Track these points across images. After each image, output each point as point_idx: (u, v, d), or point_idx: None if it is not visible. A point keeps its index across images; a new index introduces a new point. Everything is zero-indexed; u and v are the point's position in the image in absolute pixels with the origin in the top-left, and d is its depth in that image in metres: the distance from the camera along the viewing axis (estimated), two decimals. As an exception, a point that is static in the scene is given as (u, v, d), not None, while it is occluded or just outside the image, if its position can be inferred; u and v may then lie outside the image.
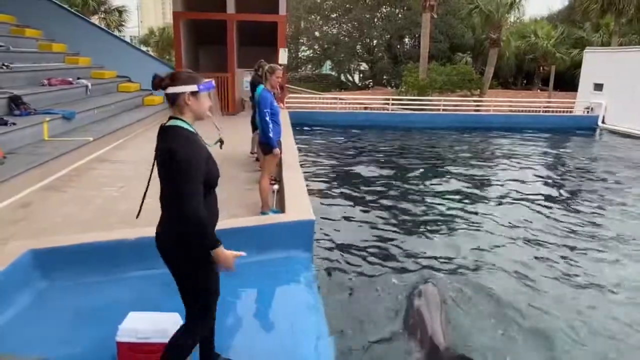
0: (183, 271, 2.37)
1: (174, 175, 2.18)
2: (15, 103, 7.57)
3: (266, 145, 5.19)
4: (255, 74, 7.13)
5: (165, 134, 2.28)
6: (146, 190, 2.47)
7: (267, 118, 5.03)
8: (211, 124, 2.86)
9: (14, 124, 6.91)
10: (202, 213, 2.18)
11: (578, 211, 7.32)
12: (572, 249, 5.82)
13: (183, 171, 2.15)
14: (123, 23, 34.36)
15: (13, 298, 3.27)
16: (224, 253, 2.33)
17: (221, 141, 2.64)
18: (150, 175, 2.38)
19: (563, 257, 5.55)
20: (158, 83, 2.30)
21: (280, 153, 5.46)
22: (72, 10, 14.85)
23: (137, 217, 2.54)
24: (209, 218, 2.25)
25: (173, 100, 2.29)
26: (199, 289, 2.42)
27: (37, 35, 11.94)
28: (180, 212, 2.16)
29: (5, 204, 5.13)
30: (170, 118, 2.32)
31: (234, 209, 5.35)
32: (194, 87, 2.28)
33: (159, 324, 2.77)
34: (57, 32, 12.40)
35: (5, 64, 9.05)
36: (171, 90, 2.28)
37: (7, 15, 11.71)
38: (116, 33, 25.60)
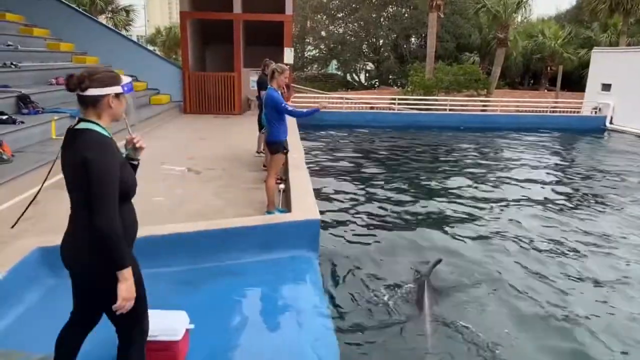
0: (103, 287, 2.10)
1: (87, 186, 1.97)
2: (24, 102, 7.63)
3: (273, 144, 5.20)
4: (262, 73, 7.15)
5: (77, 138, 2.04)
6: (34, 197, 2.24)
7: (289, 108, 5.16)
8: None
9: (22, 122, 6.97)
10: (116, 228, 1.98)
11: (586, 212, 7.28)
12: (580, 249, 5.78)
13: (97, 181, 1.95)
14: (130, 22, 34.51)
15: (21, 295, 3.30)
16: (131, 279, 2.06)
17: (134, 148, 2.26)
18: (44, 181, 2.17)
19: (570, 257, 5.51)
20: (76, 84, 2.04)
21: (289, 150, 5.48)
22: (80, 10, 14.92)
23: (12, 227, 2.29)
24: (125, 233, 2.04)
25: (93, 103, 2.06)
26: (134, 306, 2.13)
27: (45, 34, 12.02)
28: (92, 225, 1.96)
29: (13, 202, 5.17)
30: (81, 120, 2.08)
31: (240, 208, 5.37)
32: (118, 89, 2.10)
33: (167, 322, 2.78)
34: (64, 31, 12.48)
35: (14, 63, 9.13)
36: (93, 92, 2.04)
37: (16, 15, 11.80)
38: (123, 32, 25.72)
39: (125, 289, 2.03)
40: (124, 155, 2.20)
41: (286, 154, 5.41)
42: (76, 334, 2.37)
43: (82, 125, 2.06)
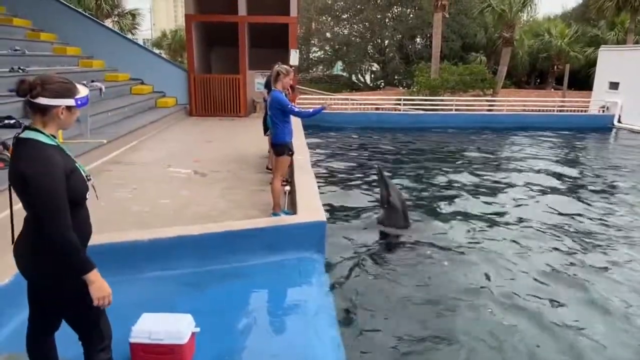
0: (56, 293, 2.13)
1: (30, 199, 1.97)
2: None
3: (279, 146, 5.20)
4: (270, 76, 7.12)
5: (19, 149, 2.00)
6: (12, 217, 2.20)
7: (296, 109, 5.21)
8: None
9: (29, 126, 7.00)
10: (70, 238, 1.97)
11: (596, 211, 7.20)
12: (590, 249, 5.72)
13: (40, 198, 1.93)
14: (136, 26, 34.70)
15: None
16: (99, 279, 2.07)
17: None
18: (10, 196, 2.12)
19: (581, 257, 5.45)
20: (26, 90, 1.98)
21: (294, 152, 5.47)
22: (86, 14, 15.04)
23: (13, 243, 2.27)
24: (79, 239, 2.03)
25: (42, 111, 2.00)
26: (87, 309, 2.14)
27: (52, 39, 12.11)
28: (46, 239, 1.96)
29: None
30: (27, 128, 2.03)
31: (246, 210, 5.37)
32: (70, 102, 2.04)
33: (172, 325, 2.78)
34: (71, 35, 12.56)
35: (21, 67, 9.20)
36: (43, 101, 1.98)
37: (23, 20, 11.90)
38: (129, 36, 25.87)
39: (96, 289, 2.06)
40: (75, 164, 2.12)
41: (291, 155, 5.40)
42: (40, 342, 2.38)
43: (26, 134, 2.00)
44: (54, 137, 2.06)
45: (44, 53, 11.16)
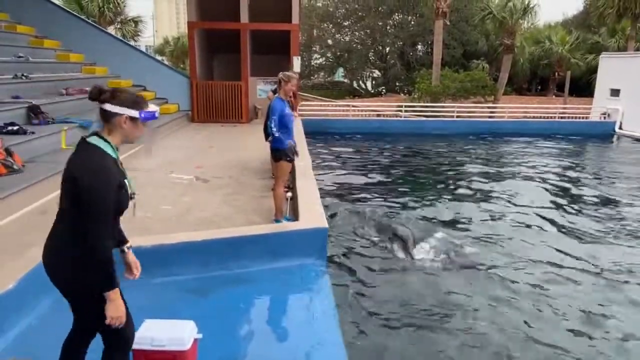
0: (84, 299, 2.13)
1: (81, 205, 1.98)
2: (34, 112, 7.72)
3: (275, 151, 5.22)
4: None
5: (80, 151, 2.06)
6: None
7: (273, 126, 5.10)
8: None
9: (32, 133, 7.05)
10: (107, 252, 2.03)
11: (597, 218, 7.20)
12: (591, 256, 5.71)
13: (89, 201, 1.96)
14: (139, 33, 34.85)
15: (33, 304, 3.32)
16: (119, 298, 2.12)
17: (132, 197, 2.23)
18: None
19: (581, 267, 5.45)
20: (96, 94, 2.08)
21: (293, 158, 5.48)
22: (89, 21, 15.13)
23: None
24: None
25: (107, 118, 2.08)
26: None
27: (55, 45, 12.19)
28: (85, 246, 1.99)
29: (24, 211, 5.23)
30: (94, 134, 2.11)
31: (249, 216, 5.38)
32: (135, 114, 2.09)
33: (175, 331, 2.77)
34: (74, 42, 12.64)
35: (25, 74, 9.25)
36: (109, 107, 2.07)
37: (27, 27, 11.98)
38: (132, 43, 26.00)
39: (114, 308, 2.09)
40: (126, 180, 2.15)
41: (290, 161, 5.39)
42: (75, 343, 2.39)
43: (91, 139, 2.07)
44: (117, 148, 2.12)
45: (48, 60, 11.23)
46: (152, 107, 2.16)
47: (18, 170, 5.91)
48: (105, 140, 2.07)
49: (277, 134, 5.11)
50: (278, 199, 5.27)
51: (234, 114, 12.81)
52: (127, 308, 2.23)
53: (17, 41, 10.97)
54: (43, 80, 9.73)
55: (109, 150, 2.07)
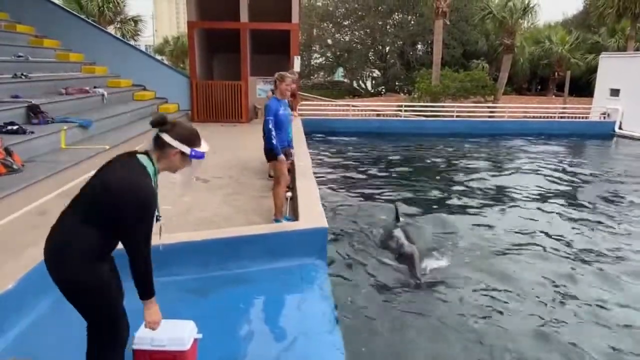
0: (76, 291, 2.22)
1: (127, 221, 2.10)
2: (34, 112, 7.71)
3: (270, 151, 5.22)
4: None
5: (129, 167, 2.16)
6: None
7: (270, 126, 5.12)
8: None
9: (32, 132, 7.04)
10: (150, 267, 2.20)
11: (597, 219, 7.20)
12: (590, 259, 5.71)
13: (138, 219, 2.10)
14: (138, 32, 34.85)
15: (32, 304, 3.32)
16: (156, 306, 2.30)
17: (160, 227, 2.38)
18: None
19: (580, 267, 5.45)
20: (158, 123, 2.22)
21: (289, 159, 5.47)
22: (89, 21, 15.12)
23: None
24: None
25: (161, 146, 2.21)
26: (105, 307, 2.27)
27: (55, 45, 12.18)
28: (132, 264, 2.16)
29: (23, 211, 5.22)
30: (145, 153, 2.22)
31: (248, 216, 5.38)
32: (186, 150, 2.23)
33: (175, 331, 2.78)
34: (74, 42, 12.63)
35: (24, 74, 9.24)
36: (166, 138, 2.20)
37: (26, 26, 11.97)
38: (132, 42, 25.98)
39: (151, 314, 2.30)
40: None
41: (284, 160, 5.36)
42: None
43: (142, 158, 2.19)
44: (158, 173, 2.25)
45: (47, 59, 11.22)
46: (203, 147, 2.28)
47: (17, 170, 5.91)
48: (153, 165, 2.21)
49: (274, 134, 5.11)
50: (278, 198, 5.26)
51: (233, 114, 12.81)
52: (113, 305, 2.29)
53: (17, 40, 10.96)
54: (43, 79, 9.72)
55: (152, 174, 2.20)
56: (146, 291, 2.24)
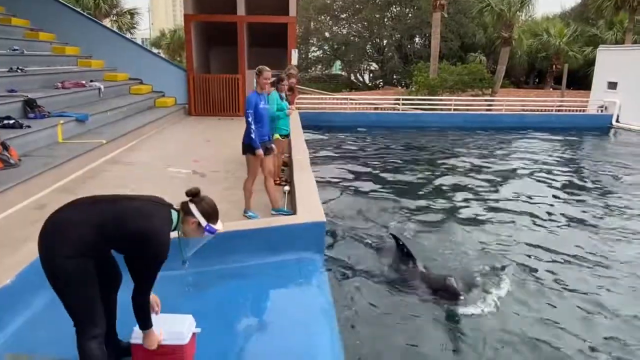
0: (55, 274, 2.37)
1: (139, 262, 2.44)
2: (30, 106, 7.67)
3: (248, 145, 5.22)
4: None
5: (164, 219, 2.49)
6: None
7: (249, 119, 5.10)
8: None
9: (28, 126, 7.00)
10: (149, 303, 2.55)
11: (594, 211, 7.23)
12: (587, 251, 5.74)
13: (149, 264, 2.44)
14: (135, 25, 34.66)
15: (30, 299, 3.32)
16: (154, 334, 2.62)
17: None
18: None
19: (578, 259, 5.48)
20: (193, 194, 2.61)
21: (269, 153, 5.45)
22: (85, 14, 15.01)
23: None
24: None
25: (186, 212, 2.58)
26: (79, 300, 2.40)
27: (50, 38, 12.09)
28: (133, 297, 2.47)
29: (21, 206, 5.21)
30: (179, 211, 2.58)
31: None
32: (203, 222, 2.57)
33: (174, 326, 2.79)
34: (70, 35, 12.54)
35: (20, 67, 9.18)
36: (192, 208, 2.57)
37: (22, 20, 11.88)
38: (128, 35, 25.85)
39: (149, 340, 2.62)
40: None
41: (262, 154, 5.34)
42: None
43: (174, 215, 2.55)
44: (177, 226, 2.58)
45: (43, 53, 11.15)
46: (218, 225, 2.64)
47: (14, 164, 5.88)
48: (178, 220, 2.56)
49: (253, 127, 5.10)
50: (247, 191, 5.27)
51: (231, 108, 12.77)
52: (84, 295, 2.39)
53: (12, 34, 10.88)
54: (39, 73, 9.65)
55: (173, 227, 2.56)
56: (142, 324, 2.57)
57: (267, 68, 5.29)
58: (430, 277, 4.69)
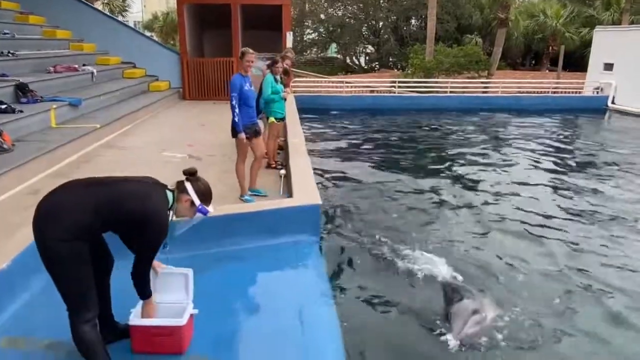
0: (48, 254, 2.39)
1: (141, 239, 2.48)
2: (22, 90, 7.58)
3: (233, 129, 5.20)
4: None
5: (161, 199, 2.52)
6: None
7: (234, 102, 5.09)
8: None
9: (21, 111, 6.93)
10: (148, 276, 2.61)
11: (589, 193, 7.27)
12: (581, 231, 5.79)
13: (149, 239, 2.48)
14: (127, 8, 34.17)
15: (26, 283, 3.33)
16: (150, 305, 2.69)
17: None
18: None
19: (569, 240, 5.52)
20: (190, 173, 2.67)
21: (257, 136, 5.43)
22: (76, -4, 14.73)
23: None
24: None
25: (181, 190, 2.63)
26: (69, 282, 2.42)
27: (41, 22, 11.89)
28: (133, 268, 2.53)
29: (15, 191, 5.19)
30: (174, 191, 2.62)
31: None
32: (197, 201, 2.62)
33: (172, 308, 2.83)
34: (60, 18, 12.34)
35: (11, 51, 9.05)
36: (188, 187, 2.62)
37: (11, 3, 11.67)
38: (120, 18, 25.45)
39: (147, 310, 2.70)
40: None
41: (250, 138, 5.33)
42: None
43: (170, 196, 2.59)
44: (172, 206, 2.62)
45: (34, 37, 10.97)
46: (210, 208, 2.69)
47: (7, 149, 5.84)
48: (174, 200, 2.61)
49: (237, 111, 5.07)
50: (239, 175, 5.27)
51: (225, 91, 12.63)
52: (74, 278, 2.39)
53: (2, 17, 10.69)
54: (30, 57, 9.52)
55: (169, 208, 2.59)
56: (141, 295, 2.64)
57: (251, 50, 5.25)
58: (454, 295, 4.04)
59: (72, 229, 2.31)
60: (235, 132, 5.22)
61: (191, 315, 2.86)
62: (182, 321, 2.74)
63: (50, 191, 2.44)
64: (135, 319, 2.73)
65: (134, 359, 2.73)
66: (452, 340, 3.49)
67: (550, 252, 5.16)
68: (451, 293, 4.09)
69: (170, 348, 2.74)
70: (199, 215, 2.67)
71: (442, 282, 4.35)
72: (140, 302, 2.76)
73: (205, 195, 2.67)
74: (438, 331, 3.65)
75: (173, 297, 2.93)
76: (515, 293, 4.27)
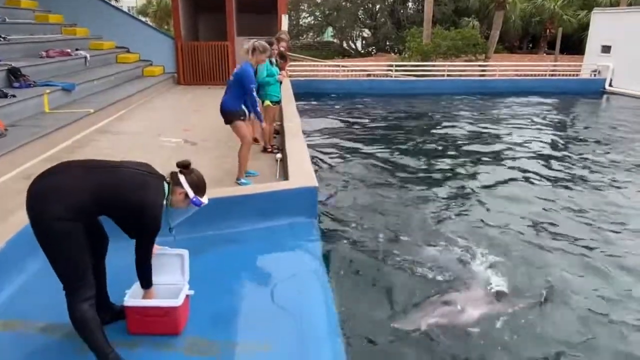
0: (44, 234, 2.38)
1: (140, 226, 2.50)
2: (14, 75, 7.48)
3: (229, 114, 5.29)
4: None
5: (157, 190, 2.54)
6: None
7: (254, 94, 5.21)
8: None
9: (13, 96, 6.85)
10: (150, 262, 2.64)
11: (585, 176, 7.28)
12: (577, 214, 5.81)
13: (148, 225, 2.50)
14: (120, -7, 33.57)
15: (21, 266, 3.32)
16: (151, 292, 2.75)
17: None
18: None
19: (566, 225, 5.54)
20: (183, 165, 2.70)
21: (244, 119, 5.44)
22: (67, -20, 14.48)
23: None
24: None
25: (175, 182, 2.66)
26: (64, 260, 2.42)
27: (33, 6, 11.70)
28: (135, 254, 2.58)
29: (8, 176, 5.16)
30: (169, 183, 2.64)
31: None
32: (191, 194, 2.65)
33: (167, 289, 2.83)
34: (53, 2, 12.14)
35: (2, 35, 8.91)
36: (181, 180, 2.65)
37: (2, -14, 11.47)
38: (113, 3, 25.01)
39: (146, 297, 2.75)
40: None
41: (244, 120, 5.33)
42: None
43: (166, 187, 2.61)
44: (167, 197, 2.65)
45: (26, 21, 10.81)
46: (204, 199, 2.72)
47: (1, 134, 5.79)
48: (169, 191, 2.64)
49: (255, 102, 5.18)
50: (243, 160, 5.25)
51: (220, 76, 12.51)
52: (70, 256, 2.39)
53: (-7, 2, 10.53)
54: (22, 42, 9.38)
55: (165, 201, 2.62)
56: (142, 283, 2.69)
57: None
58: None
59: (70, 210, 2.32)
60: (231, 119, 5.18)
61: (187, 296, 2.87)
62: (178, 302, 2.74)
63: (47, 170, 2.42)
64: (130, 300, 2.73)
65: (129, 340, 2.73)
66: (408, 326, 3.45)
67: (550, 246, 5.18)
68: (438, 283, 4.10)
69: (165, 329, 2.75)
70: (193, 206, 2.71)
71: (435, 271, 4.31)
72: (137, 283, 2.76)
73: (199, 187, 2.70)
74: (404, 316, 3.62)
75: (169, 279, 2.93)
76: (514, 292, 4.22)
